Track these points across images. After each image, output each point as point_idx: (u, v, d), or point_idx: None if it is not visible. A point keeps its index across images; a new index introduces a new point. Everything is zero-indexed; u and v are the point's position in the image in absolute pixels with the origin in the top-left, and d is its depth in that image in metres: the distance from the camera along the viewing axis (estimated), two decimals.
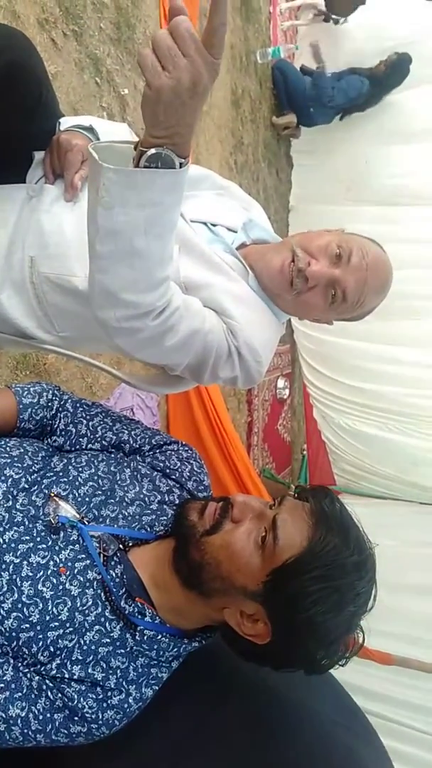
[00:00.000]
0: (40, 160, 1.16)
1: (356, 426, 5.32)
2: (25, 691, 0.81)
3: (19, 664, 0.83)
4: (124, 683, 0.84)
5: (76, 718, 0.82)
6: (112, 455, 1.04)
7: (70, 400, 1.12)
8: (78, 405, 1.11)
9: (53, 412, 1.09)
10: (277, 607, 0.81)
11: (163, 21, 3.18)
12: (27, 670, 0.82)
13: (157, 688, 0.88)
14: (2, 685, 0.80)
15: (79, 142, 1.13)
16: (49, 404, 1.09)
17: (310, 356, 5.36)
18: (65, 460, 0.98)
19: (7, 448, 0.97)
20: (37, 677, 0.82)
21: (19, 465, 0.95)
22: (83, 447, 1.05)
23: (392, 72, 4.63)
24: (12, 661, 0.83)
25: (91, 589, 0.86)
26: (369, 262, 1.12)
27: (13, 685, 0.81)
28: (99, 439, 1.06)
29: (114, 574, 0.88)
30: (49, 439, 1.09)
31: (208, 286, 1.09)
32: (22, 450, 0.98)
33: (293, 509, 0.85)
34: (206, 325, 1.03)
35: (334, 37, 5.01)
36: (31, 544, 0.87)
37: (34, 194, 1.16)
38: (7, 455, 0.96)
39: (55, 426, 1.09)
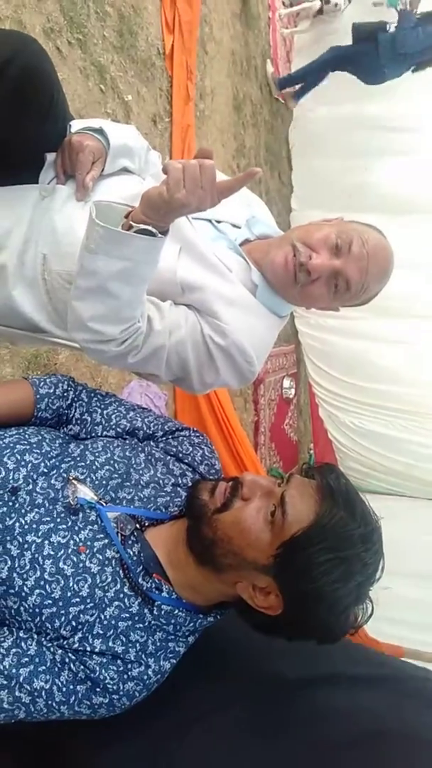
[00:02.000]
0: (52, 161, 1.20)
1: (362, 424, 5.36)
2: (48, 664, 0.85)
3: (43, 639, 0.86)
4: (143, 656, 0.88)
5: (98, 689, 0.85)
6: (127, 441, 1.08)
7: (84, 391, 1.16)
8: (93, 395, 1.15)
9: (69, 402, 1.13)
10: (288, 579, 0.85)
11: (164, 28, 3.24)
12: (50, 644, 0.86)
13: (174, 661, 0.92)
14: (26, 659, 0.84)
15: (90, 143, 1.17)
16: (65, 394, 1.13)
17: (315, 356, 5.40)
18: (82, 446, 1.03)
19: (26, 436, 1.02)
20: (60, 651, 0.86)
21: (38, 451, 0.99)
22: (98, 434, 1.10)
23: None
24: (36, 636, 0.86)
25: (110, 567, 0.90)
26: (369, 249, 1.13)
27: (37, 659, 0.84)
28: (114, 426, 1.10)
29: (131, 553, 0.92)
30: (65, 428, 1.13)
31: (202, 288, 1.13)
32: (40, 437, 1.02)
33: (301, 486, 0.89)
34: (173, 338, 1.10)
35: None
36: (52, 525, 0.91)
37: (46, 194, 1.20)
38: (26, 442, 1.00)
39: (71, 415, 1.13)
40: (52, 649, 0.86)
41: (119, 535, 0.92)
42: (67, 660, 0.86)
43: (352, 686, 1.05)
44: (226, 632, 0.98)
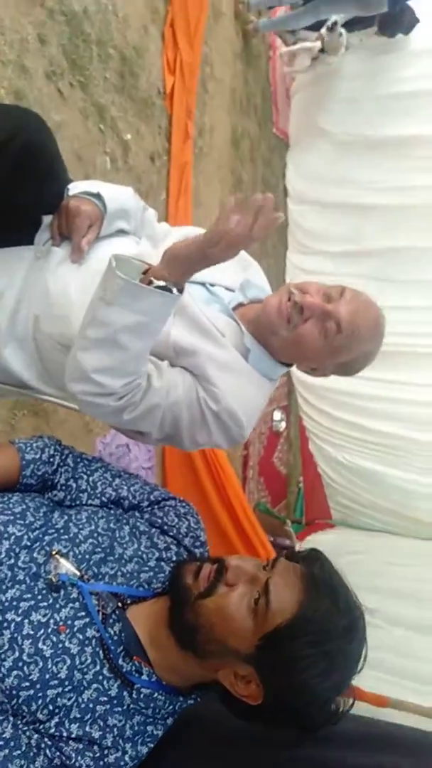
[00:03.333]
0: (49, 223, 1.22)
1: (353, 460, 5.34)
2: (24, 749, 0.83)
3: (19, 722, 0.84)
4: (120, 741, 0.86)
5: None
6: (112, 511, 1.07)
7: (71, 455, 1.15)
8: (79, 460, 1.15)
9: (54, 467, 1.13)
10: (269, 671, 0.84)
11: (166, 69, 3.30)
12: (26, 728, 0.84)
13: (152, 745, 0.90)
14: (1, 742, 0.82)
15: (87, 208, 1.19)
16: (51, 459, 1.13)
17: (305, 390, 5.40)
18: (66, 517, 1.02)
19: (10, 505, 1.01)
20: (36, 735, 0.84)
21: (22, 522, 0.98)
22: (83, 502, 1.09)
23: None
24: (11, 719, 0.85)
25: (90, 647, 0.89)
26: (361, 301, 1.15)
27: (12, 743, 0.82)
28: (99, 495, 1.09)
29: (112, 632, 0.91)
30: (50, 493, 1.13)
31: (195, 352, 1.14)
32: (24, 506, 1.01)
33: (285, 572, 0.88)
34: (170, 397, 1.11)
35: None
36: (32, 602, 0.90)
37: (41, 255, 1.21)
38: (9, 512, 0.99)
39: (56, 480, 1.12)
40: (28, 733, 0.84)
41: (100, 613, 0.91)
42: (42, 745, 0.84)
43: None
44: (203, 712, 0.96)
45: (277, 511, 5.30)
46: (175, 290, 1.01)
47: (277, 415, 5.33)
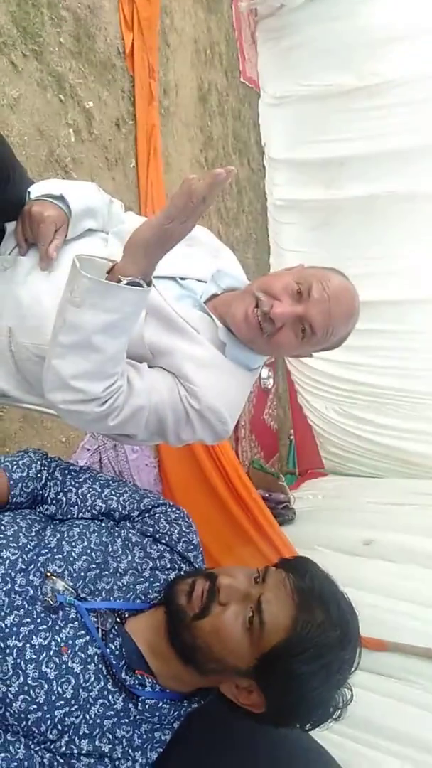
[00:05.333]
0: (12, 231, 1.18)
1: (342, 410, 5.42)
2: None
3: (30, 743, 0.87)
4: (130, 751, 0.90)
5: None
6: (103, 524, 1.08)
7: (58, 468, 1.15)
8: (66, 472, 1.15)
9: (43, 482, 1.13)
10: (270, 685, 0.87)
11: (123, 26, 3.14)
12: (38, 748, 0.87)
13: (161, 750, 0.93)
14: (15, 763, 0.85)
15: (51, 213, 1.15)
16: (39, 475, 1.12)
17: None
18: (58, 535, 1.02)
19: (2, 527, 1.01)
20: (48, 754, 0.87)
21: (15, 545, 0.99)
22: (74, 516, 1.09)
23: None
24: (23, 740, 0.87)
25: (93, 665, 0.91)
26: (330, 292, 1.12)
27: (25, 763, 0.85)
28: (89, 508, 1.10)
29: (113, 647, 0.93)
30: (41, 507, 1.13)
31: (171, 352, 1.12)
32: (16, 527, 1.02)
33: (276, 587, 0.90)
34: (153, 398, 1.09)
35: None
36: (32, 627, 0.91)
37: (8, 265, 1.18)
38: (2, 536, 0.99)
39: (46, 495, 1.13)
40: (40, 753, 0.87)
41: (99, 630, 0.93)
42: (55, 764, 0.87)
43: None
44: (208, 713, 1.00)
45: (270, 466, 5.37)
46: (144, 284, 0.97)
47: (265, 372, 5.32)
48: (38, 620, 0.92)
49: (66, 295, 0.97)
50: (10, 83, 2.34)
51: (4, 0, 2.31)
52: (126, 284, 0.95)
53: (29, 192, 1.18)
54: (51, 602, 0.93)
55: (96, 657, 0.91)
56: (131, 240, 0.98)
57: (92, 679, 0.90)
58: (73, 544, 1.01)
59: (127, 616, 0.97)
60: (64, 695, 0.88)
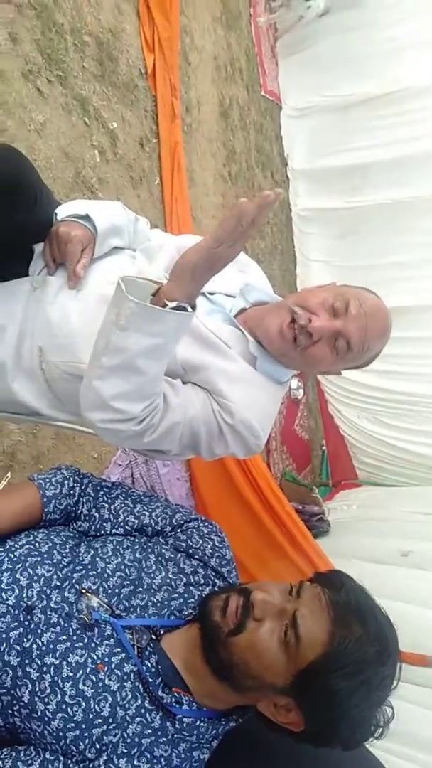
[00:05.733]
0: (41, 252, 1.20)
1: (375, 418, 5.36)
2: None
3: (69, 762, 0.87)
4: None
5: None
6: (136, 539, 1.08)
7: (90, 484, 1.16)
8: (99, 488, 1.15)
9: (76, 499, 1.14)
10: (308, 703, 0.85)
11: (144, 47, 3.20)
12: (77, 767, 0.87)
13: None
14: None
15: (78, 233, 1.16)
16: (72, 492, 1.13)
17: None
18: (92, 551, 1.03)
19: (36, 545, 1.02)
20: None
21: (50, 562, 0.99)
22: (108, 532, 1.10)
23: None
24: (62, 758, 0.87)
25: (129, 682, 0.90)
26: (367, 309, 1.13)
27: None
28: (122, 523, 1.10)
29: (149, 665, 0.92)
30: (74, 524, 1.14)
31: (204, 368, 1.13)
32: (50, 544, 1.03)
33: (311, 601, 0.89)
34: (188, 414, 1.09)
35: None
36: (69, 644, 0.91)
37: (37, 286, 1.20)
38: (37, 552, 1.00)
39: (79, 511, 1.13)
40: None
41: (135, 647, 0.93)
42: None
43: None
44: (247, 731, 0.98)
45: (303, 478, 5.32)
46: (189, 308, 0.98)
47: (294, 382, 5.30)
48: (74, 637, 0.92)
49: (110, 317, 0.96)
50: (36, 109, 2.40)
51: (29, 29, 2.38)
52: (172, 308, 0.96)
53: (56, 213, 1.20)
54: (86, 619, 0.93)
55: (132, 674, 0.91)
56: (179, 263, 0.98)
57: (129, 696, 0.90)
58: (107, 560, 1.01)
59: (162, 632, 0.97)
60: (102, 713, 0.88)
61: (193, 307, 0.99)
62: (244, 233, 0.93)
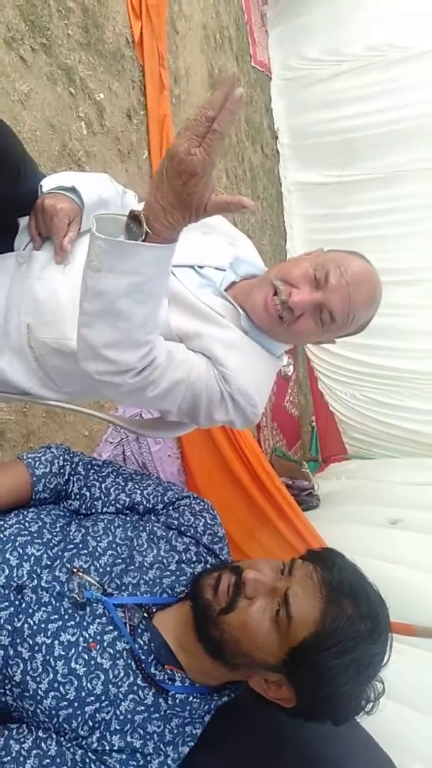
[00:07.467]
0: (26, 226, 1.17)
1: (362, 395, 5.38)
2: (69, 764, 0.85)
3: (62, 740, 0.87)
4: (161, 746, 0.89)
5: None
6: (128, 518, 1.07)
7: (81, 463, 1.15)
8: (89, 467, 1.14)
9: (66, 477, 1.13)
10: (299, 680, 0.85)
11: (131, 14, 3.11)
12: (70, 744, 0.87)
13: (192, 744, 0.93)
14: (48, 760, 0.85)
15: (64, 205, 1.13)
16: (62, 470, 1.12)
17: None
18: (83, 530, 1.02)
19: (26, 524, 1.01)
20: (80, 751, 0.87)
21: (39, 541, 0.99)
22: (98, 510, 1.09)
23: None
24: (54, 736, 0.87)
25: (122, 660, 0.90)
26: (349, 278, 1.09)
27: (58, 760, 0.85)
28: (113, 502, 1.09)
29: (142, 642, 0.92)
30: (65, 502, 1.13)
31: (199, 335, 1.10)
32: (40, 523, 1.02)
33: (303, 580, 0.88)
34: (192, 374, 1.06)
35: None
36: (60, 623, 0.91)
37: (23, 261, 1.17)
38: (26, 532, 0.99)
39: (70, 490, 1.12)
40: (72, 749, 0.87)
41: (127, 625, 0.93)
42: (87, 760, 0.86)
43: None
44: (239, 706, 0.99)
45: (293, 453, 5.35)
46: (166, 244, 0.87)
47: (284, 359, 5.28)
48: (66, 617, 0.92)
49: (86, 261, 0.90)
50: (20, 78, 2.33)
51: None
52: (143, 241, 0.86)
53: (41, 186, 1.16)
54: (78, 598, 0.93)
55: (125, 652, 0.91)
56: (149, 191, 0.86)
57: (122, 674, 0.90)
58: (99, 539, 1.00)
59: (154, 610, 0.96)
60: (94, 691, 0.88)
61: (172, 241, 0.88)
62: (208, 133, 0.79)
